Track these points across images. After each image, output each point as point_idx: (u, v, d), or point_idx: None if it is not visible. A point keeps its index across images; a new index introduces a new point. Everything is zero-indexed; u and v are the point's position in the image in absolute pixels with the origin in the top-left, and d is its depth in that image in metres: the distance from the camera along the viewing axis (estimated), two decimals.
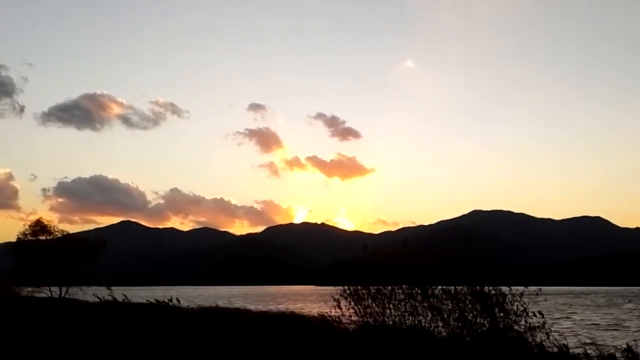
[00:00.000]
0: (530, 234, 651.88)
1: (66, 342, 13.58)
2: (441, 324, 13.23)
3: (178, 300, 22.13)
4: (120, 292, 23.95)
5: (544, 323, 11.92)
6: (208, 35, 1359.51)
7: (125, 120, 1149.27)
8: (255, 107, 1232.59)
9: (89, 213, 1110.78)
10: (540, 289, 13.22)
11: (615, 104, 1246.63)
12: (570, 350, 11.10)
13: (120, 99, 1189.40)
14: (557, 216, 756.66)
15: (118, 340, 13.72)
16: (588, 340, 11.95)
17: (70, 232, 61.85)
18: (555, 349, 11.17)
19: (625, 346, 10.46)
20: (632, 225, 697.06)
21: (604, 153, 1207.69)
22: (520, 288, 12.78)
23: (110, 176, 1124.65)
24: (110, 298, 23.25)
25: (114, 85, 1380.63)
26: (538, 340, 11.65)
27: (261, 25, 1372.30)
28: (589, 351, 10.77)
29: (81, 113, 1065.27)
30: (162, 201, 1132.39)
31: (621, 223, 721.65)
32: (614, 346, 11.16)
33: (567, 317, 45.40)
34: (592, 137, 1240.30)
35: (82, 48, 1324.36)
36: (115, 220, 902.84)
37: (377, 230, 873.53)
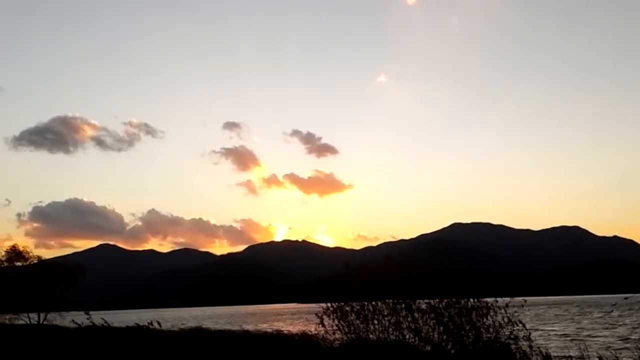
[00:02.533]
0: (509, 244, 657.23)
1: None
2: (425, 338, 13.19)
3: (159, 323, 21.76)
4: (100, 317, 23.54)
5: (529, 333, 11.97)
6: (180, 53, 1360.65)
7: (99, 142, 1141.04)
8: (230, 125, 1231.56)
9: (66, 237, 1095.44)
10: (525, 300, 13.29)
11: (592, 115, 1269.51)
12: None
13: (92, 120, 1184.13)
14: (536, 226, 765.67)
15: None
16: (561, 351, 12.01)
17: (48, 257, 61.15)
18: (541, 358, 11.20)
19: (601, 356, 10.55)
20: (609, 234, 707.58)
21: (581, 164, 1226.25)
22: (507, 299, 12.81)
23: (85, 199, 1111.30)
24: (89, 323, 22.82)
25: (86, 107, 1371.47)
26: (522, 350, 11.68)
27: (234, 43, 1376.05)
28: (572, 358, 10.84)
29: (53, 136, 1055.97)
30: (140, 223, 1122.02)
31: (599, 232, 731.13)
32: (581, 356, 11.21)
33: (537, 329, 45.65)
34: (569, 148, 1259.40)
35: (51, 70, 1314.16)
36: (93, 243, 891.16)
37: (358, 245, 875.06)
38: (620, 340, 32.19)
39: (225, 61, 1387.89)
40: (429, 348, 12.97)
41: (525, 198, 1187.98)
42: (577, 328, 44.58)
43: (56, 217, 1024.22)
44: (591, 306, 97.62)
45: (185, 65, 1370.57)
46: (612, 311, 65.05)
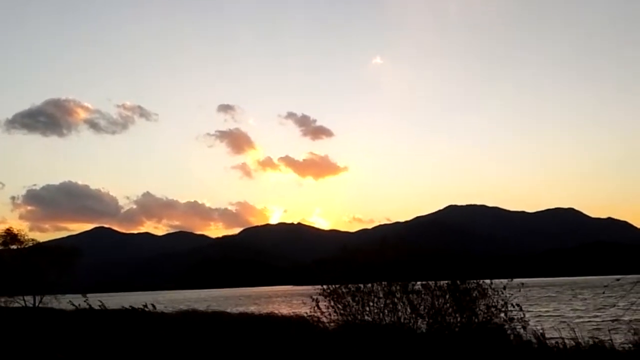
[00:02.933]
0: (504, 226, 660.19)
1: (28, 353, 13.27)
2: (420, 320, 13.24)
3: (153, 306, 21.80)
4: (96, 299, 23.56)
5: (524, 315, 12.03)
6: (173, 36, 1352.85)
7: (93, 125, 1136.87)
8: (224, 108, 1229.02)
9: (61, 220, 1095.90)
10: (522, 284, 13.35)
11: (587, 99, 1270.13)
12: (547, 341, 11.21)
13: (85, 103, 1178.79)
14: (531, 209, 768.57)
15: (86, 349, 13.45)
16: (556, 332, 12.10)
17: (43, 240, 61.11)
18: (534, 340, 11.27)
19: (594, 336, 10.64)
20: (604, 215, 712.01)
21: (575, 146, 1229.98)
22: (504, 281, 12.86)
23: (80, 182, 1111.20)
24: (85, 306, 22.85)
25: (79, 90, 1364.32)
26: (516, 332, 11.74)
27: (228, 25, 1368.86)
28: (566, 340, 10.90)
29: (46, 119, 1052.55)
30: (135, 206, 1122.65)
31: (593, 214, 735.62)
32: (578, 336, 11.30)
33: (531, 311, 46.00)
34: (564, 131, 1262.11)
35: (44, 53, 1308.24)
36: (88, 226, 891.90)
37: (353, 228, 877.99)
38: (612, 321, 32.45)
39: (219, 43, 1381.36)
40: (424, 329, 13.03)
41: (521, 180, 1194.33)
42: (570, 309, 44.95)
43: (50, 200, 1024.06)
44: (585, 287, 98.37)
45: (180, 47, 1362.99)
46: (603, 292, 65.53)
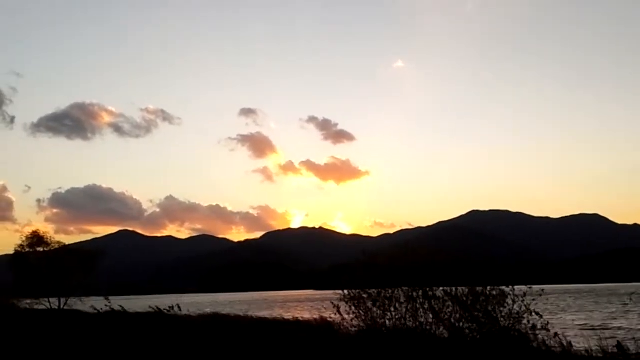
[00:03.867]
0: (528, 232, 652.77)
1: (56, 355, 13.48)
2: (442, 326, 13.18)
3: (179, 308, 22.02)
4: (118, 302, 23.84)
5: (547, 322, 11.89)
6: (196, 40, 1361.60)
7: (117, 129, 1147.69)
8: (246, 112, 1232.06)
9: (85, 223, 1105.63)
10: (543, 290, 13.20)
11: (609, 101, 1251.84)
12: (572, 349, 11.08)
13: (110, 107, 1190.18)
14: (555, 214, 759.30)
15: (111, 351, 13.62)
16: (578, 340, 11.95)
17: (67, 242, 61.95)
18: (558, 347, 11.13)
19: (615, 344, 10.49)
20: (630, 222, 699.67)
21: (600, 150, 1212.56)
22: (524, 288, 12.73)
23: (104, 185, 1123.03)
24: (108, 308, 23.15)
25: (103, 94, 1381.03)
26: (540, 339, 11.61)
27: (250, 29, 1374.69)
28: (593, 348, 10.77)
29: (71, 123, 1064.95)
30: (158, 209, 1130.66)
31: (619, 220, 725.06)
32: (601, 344, 11.13)
33: (555, 318, 45.40)
34: (587, 134, 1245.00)
35: (69, 57, 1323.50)
36: (112, 229, 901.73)
37: (375, 233, 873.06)
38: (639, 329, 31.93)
39: (240, 47, 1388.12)
40: (446, 335, 12.98)
41: (544, 185, 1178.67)
42: (596, 317, 44.25)
43: (75, 203, 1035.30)
44: (611, 295, 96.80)
45: (201, 51, 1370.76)
46: (631, 299, 64.46)
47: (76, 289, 55.11)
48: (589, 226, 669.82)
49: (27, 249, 54.48)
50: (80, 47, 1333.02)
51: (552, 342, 11.36)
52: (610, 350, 10.60)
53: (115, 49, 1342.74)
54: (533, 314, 12.14)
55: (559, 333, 11.65)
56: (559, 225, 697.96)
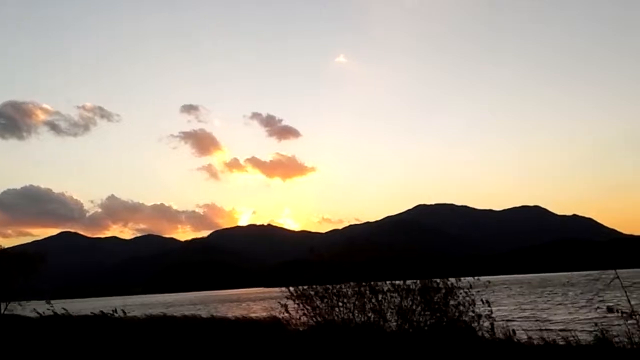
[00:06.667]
0: (473, 225, 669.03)
1: None
2: (390, 319, 13.30)
3: (123, 311, 21.49)
4: (61, 306, 23.13)
5: (491, 312, 12.16)
6: (134, 34, 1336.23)
7: (53, 127, 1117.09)
8: (188, 108, 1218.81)
9: (24, 225, 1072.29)
10: (489, 282, 13.48)
11: (551, 97, 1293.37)
12: (515, 338, 11.37)
13: (45, 104, 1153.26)
14: (498, 207, 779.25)
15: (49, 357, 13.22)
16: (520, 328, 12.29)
17: (6, 246, 59.63)
18: (503, 337, 11.41)
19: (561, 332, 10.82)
20: (569, 213, 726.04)
21: (541, 145, 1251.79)
22: (470, 279, 12.96)
23: (42, 186, 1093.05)
24: (50, 312, 22.43)
25: (37, 91, 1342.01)
26: (485, 329, 11.86)
27: (191, 24, 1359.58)
28: (533, 337, 11.08)
29: (5, 121, 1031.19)
30: (100, 210, 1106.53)
31: (559, 211, 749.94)
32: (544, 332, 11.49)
33: (499, 308, 46.70)
34: (528, 129, 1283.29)
35: (0, 54, 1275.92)
36: (53, 231, 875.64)
37: (323, 229, 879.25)
38: (578, 316, 33.10)
39: (182, 43, 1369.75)
40: (393, 328, 13.10)
41: (488, 179, 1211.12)
42: (537, 306, 45.66)
43: (12, 205, 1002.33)
44: (552, 285, 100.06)
45: (140, 46, 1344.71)
46: (568, 288, 66.80)
47: (17, 293, 53.29)
48: (530, 217, 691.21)
49: None
50: (11, 44, 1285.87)
51: (495, 331, 11.63)
52: (550, 340, 10.93)
53: (48, 44, 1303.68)
54: (481, 302, 12.38)
55: (502, 322, 11.93)
56: (502, 217, 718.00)
